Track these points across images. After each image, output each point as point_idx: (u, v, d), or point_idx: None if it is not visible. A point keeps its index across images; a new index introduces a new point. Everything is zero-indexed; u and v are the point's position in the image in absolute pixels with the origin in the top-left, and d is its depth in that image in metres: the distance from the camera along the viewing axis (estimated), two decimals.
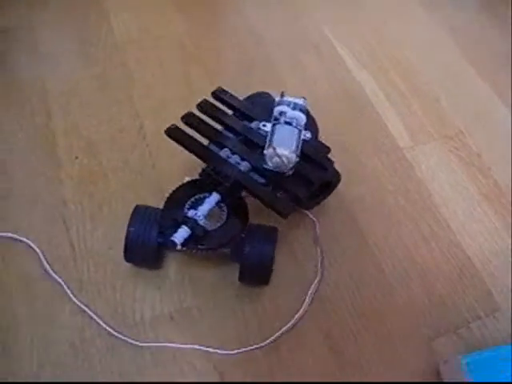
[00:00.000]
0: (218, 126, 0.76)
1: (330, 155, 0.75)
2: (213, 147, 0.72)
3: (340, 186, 0.82)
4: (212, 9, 1.13)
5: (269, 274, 0.70)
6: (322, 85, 1.01)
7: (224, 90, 0.78)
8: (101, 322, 0.71)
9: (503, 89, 1.04)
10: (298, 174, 0.70)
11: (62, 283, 0.74)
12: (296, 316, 0.72)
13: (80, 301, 0.73)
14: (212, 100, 0.78)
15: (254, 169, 0.70)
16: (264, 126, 0.73)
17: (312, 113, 0.79)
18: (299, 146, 0.68)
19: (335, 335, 0.73)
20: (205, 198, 0.68)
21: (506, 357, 0.68)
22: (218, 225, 0.67)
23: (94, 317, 0.72)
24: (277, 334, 0.71)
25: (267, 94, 0.81)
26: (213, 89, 0.79)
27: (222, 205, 0.68)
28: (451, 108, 1.01)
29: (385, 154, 0.94)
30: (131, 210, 0.71)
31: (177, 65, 1.01)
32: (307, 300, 0.74)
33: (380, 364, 0.72)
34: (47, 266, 0.75)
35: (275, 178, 0.69)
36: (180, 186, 0.70)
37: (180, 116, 0.76)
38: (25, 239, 0.77)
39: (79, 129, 0.90)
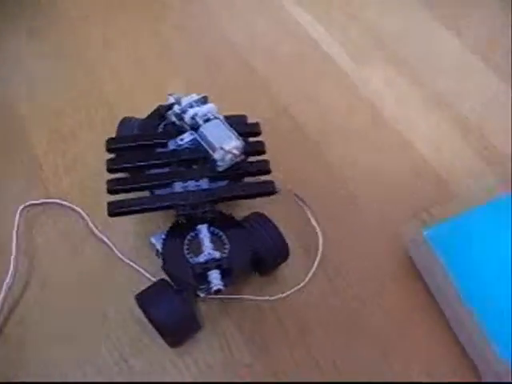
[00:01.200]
0: (144, 172, 0.68)
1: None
2: (162, 192, 0.65)
3: (297, 115, 0.90)
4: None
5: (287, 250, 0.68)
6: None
7: (113, 138, 0.70)
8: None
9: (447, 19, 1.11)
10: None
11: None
12: None
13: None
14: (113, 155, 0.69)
15: (213, 179, 0.66)
16: (181, 139, 0.67)
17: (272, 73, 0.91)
18: (234, 132, 0.65)
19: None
20: (196, 235, 0.62)
21: (469, 221, 0.72)
22: (229, 247, 0.62)
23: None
24: None
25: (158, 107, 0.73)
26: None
27: (214, 229, 0.63)
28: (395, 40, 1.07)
29: (332, 80, 1.00)
30: None
31: None
32: None
33: (355, 258, 0.76)
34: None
35: (234, 171, 0.66)
36: (164, 244, 0.63)
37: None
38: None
39: None
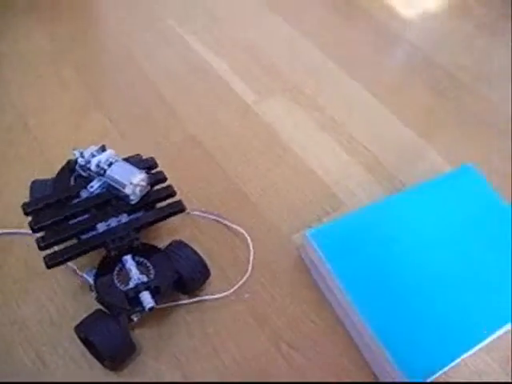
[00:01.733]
0: (73, 220, 0.73)
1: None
2: (89, 236, 0.71)
3: (203, 139, 1.01)
4: None
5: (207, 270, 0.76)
6: (176, 68, 1.18)
7: (29, 202, 0.73)
8: None
9: (328, 47, 1.27)
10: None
11: None
12: None
13: None
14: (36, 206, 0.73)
15: (130, 212, 0.73)
16: (91, 187, 0.74)
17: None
18: (134, 167, 0.73)
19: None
20: (123, 266, 0.69)
21: (348, 222, 0.83)
22: (153, 271, 0.70)
23: None
24: None
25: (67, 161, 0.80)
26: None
27: (138, 258, 0.71)
28: (287, 68, 1.20)
29: (235, 110, 1.11)
30: None
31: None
32: None
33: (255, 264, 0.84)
34: None
35: (146, 200, 0.75)
36: (96, 278, 0.69)
37: None
38: None
39: None
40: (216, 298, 0.79)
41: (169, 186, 0.79)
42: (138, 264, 0.70)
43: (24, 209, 0.72)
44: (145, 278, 0.68)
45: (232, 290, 0.80)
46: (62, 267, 0.72)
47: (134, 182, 0.70)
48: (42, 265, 0.68)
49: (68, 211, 0.72)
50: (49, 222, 0.70)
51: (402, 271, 0.78)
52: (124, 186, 0.71)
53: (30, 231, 0.70)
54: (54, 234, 0.70)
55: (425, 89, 1.24)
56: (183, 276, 0.72)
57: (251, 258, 0.84)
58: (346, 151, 1.06)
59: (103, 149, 0.76)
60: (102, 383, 0.69)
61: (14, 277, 0.78)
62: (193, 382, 0.70)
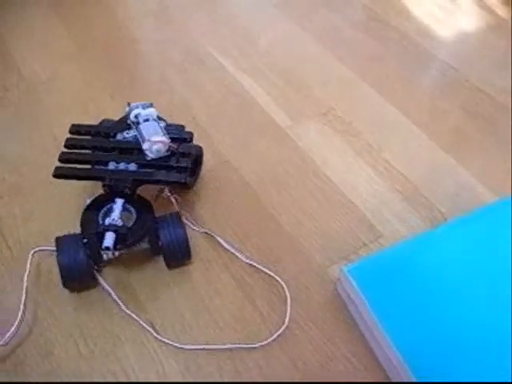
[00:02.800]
0: (98, 152, 0.84)
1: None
2: (98, 167, 0.80)
3: (237, 164, 1.00)
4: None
5: (188, 251, 0.80)
6: (210, 91, 1.17)
7: (78, 124, 0.86)
8: None
9: (362, 68, 1.26)
10: (174, 154, 0.81)
11: None
12: None
13: None
14: (75, 136, 0.86)
15: (141, 166, 0.80)
16: (127, 133, 0.84)
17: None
18: (164, 131, 0.82)
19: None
20: (112, 206, 0.76)
21: (388, 257, 0.80)
22: (132, 222, 0.76)
23: None
24: None
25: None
26: (117, 110, 0.93)
27: (128, 206, 0.78)
28: (321, 91, 1.19)
29: (269, 135, 1.09)
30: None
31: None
32: None
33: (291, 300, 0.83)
34: None
35: (159, 162, 0.81)
36: (86, 208, 0.77)
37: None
38: None
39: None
40: (254, 347, 0.77)
41: (187, 159, 0.82)
42: (125, 210, 0.77)
43: (72, 127, 0.86)
44: (119, 223, 0.74)
45: (271, 339, 0.78)
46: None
47: (152, 139, 0.77)
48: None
49: (96, 143, 0.83)
50: (79, 145, 0.83)
51: (444, 311, 0.75)
52: (144, 141, 0.79)
53: None
54: (74, 155, 0.82)
55: (461, 111, 1.20)
56: (163, 245, 0.76)
57: (288, 300, 0.82)
58: (382, 178, 1.03)
59: (149, 106, 0.84)
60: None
61: None
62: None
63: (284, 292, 0.84)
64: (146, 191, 0.84)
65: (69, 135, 0.86)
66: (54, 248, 0.74)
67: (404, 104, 1.20)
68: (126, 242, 0.73)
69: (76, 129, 0.86)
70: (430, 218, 0.97)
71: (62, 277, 0.73)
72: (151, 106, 0.85)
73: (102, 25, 1.37)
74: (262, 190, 0.99)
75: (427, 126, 1.15)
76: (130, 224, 0.75)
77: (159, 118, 0.86)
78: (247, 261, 0.87)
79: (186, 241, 0.78)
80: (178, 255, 0.79)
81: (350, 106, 1.18)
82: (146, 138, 0.79)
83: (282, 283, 0.85)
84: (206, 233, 0.89)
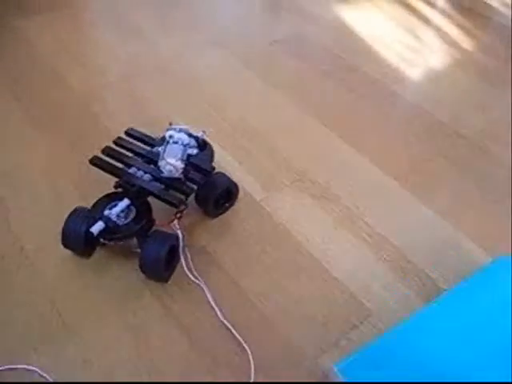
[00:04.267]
0: (130, 154, 0.97)
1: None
2: (124, 168, 0.94)
3: (213, 247, 0.96)
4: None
5: (160, 270, 0.87)
6: None
7: (134, 129, 1.01)
8: None
9: (336, 124, 1.22)
10: (187, 177, 0.92)
11: None
12: None
13: None
14: (125, 137, 1.00)
15: (155, 179, 0.92)
16: (160, 148, 0.94)
17: None
18: (184, 157, 0.91)
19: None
20: (118, 202, 0.88)
21: (374, 354, 0.76)
22: (127, 221, 0.87)
23: None
24: None
25: None
26: (81, 199, 0.96)
27: (132, 207, 0.89)
28: (295, 154, 1.14)
29: (244, 210, 1.04)
30: None
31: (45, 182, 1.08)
32: None
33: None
34: None
35: (171, 182, 0.91)
36: (102, 196, 0.90)
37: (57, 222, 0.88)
38: None
39: None
40: None
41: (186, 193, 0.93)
42: (127, 208, 0.89)
43: (126, 131, 1.01)
44: (113, 217, 0.86)
45: None
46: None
47: (167, 160, 0.89)
48: None
49: (135, 148, 0.98)
50: (123, 145, 0.99)
51: None
52: (161, 159, 0.90)
53: None
54: (115, 152, 0.97)
55: (441, 158, 1.17)
56: (141, 256, 0.86)
57: None
58: (368, 248, 0.98)
59: (189, 133, 0.94)
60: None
61: None
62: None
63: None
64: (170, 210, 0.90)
65: (122, 135, 1.00)
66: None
67: (381, 158, 1.16)
68: (113, 235, 0.86)
69: (130, 132, 1.00)
70: (421, 288, 0.92)
71: (62, 237, 0.88)
72: (186, 132, 0.93)
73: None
74: (239, 274, 0.92)
75: (407, 180, 1.11)
76: (126, 222, 0.87)
77: (199, 146, 0.96)
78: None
79: (162, 262, 0.85)
80: (152, 272, 0.88)
81: (326, 167, 1.13)
82: (164, 157, 0.90)
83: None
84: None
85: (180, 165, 0.90)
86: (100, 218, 0.85)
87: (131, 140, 1.00)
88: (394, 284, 0.93)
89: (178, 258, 0.91)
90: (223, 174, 0.99)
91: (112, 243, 0.90)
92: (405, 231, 1.01)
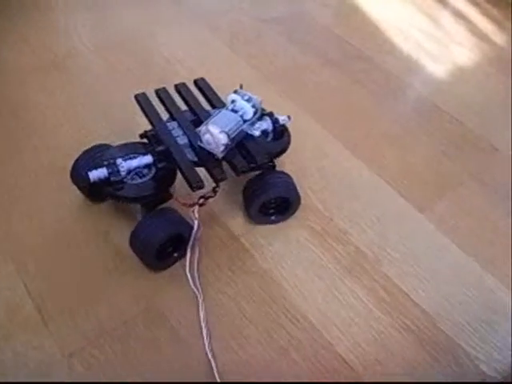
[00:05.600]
0: (184, 107, 0.79)
1: None
2: (166, 119, 0.76)
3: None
4: None
5: (149, 256, 0.70)
6: None
7: (205, 81, 0.82)
8: None
9: (341, 132, 0.94)
10: (228, 159, 0.70)
11: None
12: None
13: None
14: (191, 87, 0.81)
15: (191, 145, 0.72)
16: (216, 111, 0.74)
17: None
18: (235, 133, 0.69)
19: None
20: (138, 156, 0.71)
21: None
22: (138, 181, 0.70)
23: None
24: None
25: None
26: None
27: (153, 168, 0.71)
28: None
29: (219, 247, 0.76)
30: None
31: None
32: None
33: None
34: None
35: (206, 157, 0.70)
36: (130, 143, 0.74)
37: None
38: None
39: None
40: None
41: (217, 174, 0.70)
42: (146, 167, 0.71)
43: (195, 81, 0.83)
44: (122, 171, 0.69)
45: None
46: None
47: (209, 128, 0.68)
48: None
49: (192, 103, 0.78)
50: (179, 93, 0.80)
51: None
52: (204, 124, 0.69)
53: None
54: (164, 96, 0.78)
55: (471, 179, 0.91)
56: (135, 232, 0.69)
57: None
58: (383, 309, 0.71)
59: (251, 102, 0.72)
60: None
61: None
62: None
63: None
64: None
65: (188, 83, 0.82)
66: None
67: (401, 180, 0.89)
68: (114, 192, 0.69)
69: (199, 83, 0.82)
70: (454, 364, 0.66)
71: (70, 171, 0.75)
72: (255, 105, 0.72)
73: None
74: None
75: (434, 210, 0.84)
76: (135, 182, 0.70)
77: (275, 132, 0.77)
78: None
79: (153, 247, 0.68)
80: (140, 254, 0.71)
81: (330, 189, 0.86)
82: (208, 122, 0.69)
83: None
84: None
85: (223, 139, 0.68)
86: (107, 166, 0.69)
87: (195, 92, 0.81)
88: (422, 363, 0.66)
89: (184, 253, 0.72)
90: (285, 179, 0.77)
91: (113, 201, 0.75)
92: (435, 286, 0.75)
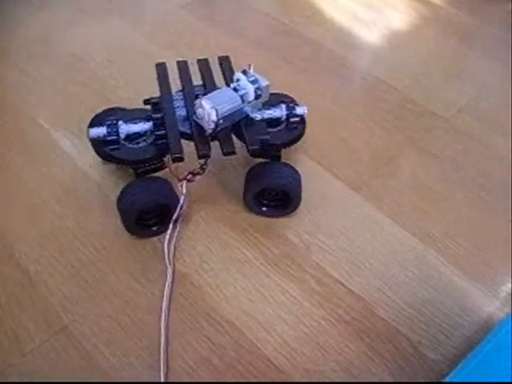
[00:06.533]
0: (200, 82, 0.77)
1: None
2: (178, 91, 0.75)
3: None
4: None
5: (128, 221, 0.69)
6: None
7: (228, 60, 0.79)
8: None
9: None
10: (217, 137, 0.68)
11: None
12: None
13: None
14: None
15: (186, 118, 0.71)
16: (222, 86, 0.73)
17: None
18: (229, 112, 0.67)
19: None
20: (140, 122, 0.71)
21: None
22: (133, 145, 0.70)
23: None
24: None
25: None
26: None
27: (152, 135, 0.70)
28: None
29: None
30: None
31: None
32: None
33: None
34: None
35: (197, 131, 0.68)
36: (137, 109, 0.75)
37: None
38: None
39: None
40: None
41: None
42: (146, 134, 0.71)
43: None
44: (122, 132, 0.69)
45: None
46: None
47: (202, 102, 0.66)
48: None
49: (206, 77, 0.75)
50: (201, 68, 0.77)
51: None
52: (200, 98, 0.67)
53: None
54: (183, 68, 0.77)
55: (420, 154, 0.85)
56: (120, 196, 0.68)
57: None
58: (311, 301, 0.65)
59: (256, 85, 0.68)
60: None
61: None
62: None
63: None
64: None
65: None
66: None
67: (332, 159, 0.83)
68: (109, 152, 0.69)
69: (221, 62, 0.79)
70: (396, 354, 0.61)
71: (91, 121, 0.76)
72: (258, 86, 0.68)
73: None
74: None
75: (370, 188, 0.78)
76: (131, 145, 0.70)
77: (288, 121, 0.74)
78: None
79: (133, 214, 0.67)
80: (121, 217, 0.69)
81: None
82: (204, 96, 0.67)
83: None
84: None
85: (213, 116, 0.65)
86: (108, 125, 0.70)
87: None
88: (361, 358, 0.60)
89: (166, 227, 0.70)
90: (287, 173, 0.71)
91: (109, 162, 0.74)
92: (371, 270, 0.69)
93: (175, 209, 0.69)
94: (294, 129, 0.75)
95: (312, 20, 1.13)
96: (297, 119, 0.74)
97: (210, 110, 0.65)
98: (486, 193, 0.80)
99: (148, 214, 0.70)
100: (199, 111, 0.67)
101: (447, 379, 0.56)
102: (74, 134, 0.84)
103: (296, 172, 0.72)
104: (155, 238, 0.71)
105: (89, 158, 0.80)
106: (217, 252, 0.70)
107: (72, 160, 0.81)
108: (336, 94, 0.96)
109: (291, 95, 0.79)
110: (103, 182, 0.78)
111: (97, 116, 0.77)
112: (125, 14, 1.11)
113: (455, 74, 1.03)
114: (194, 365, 0.60)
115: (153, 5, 1.15)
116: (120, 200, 0.69)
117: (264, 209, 0.74)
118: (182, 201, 0.69)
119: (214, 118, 0.65)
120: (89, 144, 0.74)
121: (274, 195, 0.73)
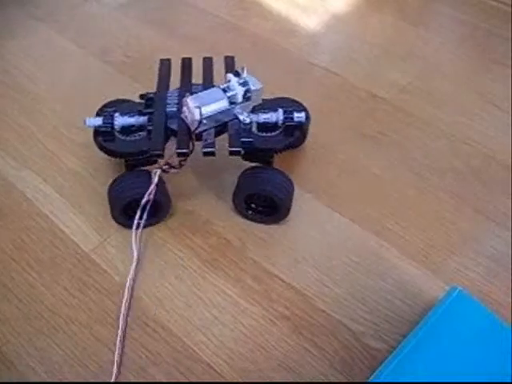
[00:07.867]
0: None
1: None
2: (177, 88, 0.75)
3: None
4: None
5: (114, 211, 0.70)
6: None
7: (233, 60, 0.78)
8: None
9: None
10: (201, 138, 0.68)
11: None
12: None
13: None
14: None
15: (174, 115, 0.71)
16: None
17: None
18: (214, 113, 0.66)
19: None
20: (135, 115, 0.72)
21: None
22: (127, 139, 0.71)
23: None
24: None
25: None
26: None
27: (146, 131, 0.71)
28: None
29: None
30: None
31: None
32: None
33: None
34: None
35: (181, 129, 0.68)
36: (137, 102, 0.76)
37: None
38: None
39: None
40: None
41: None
42: (140, 128, 0.71)
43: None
44: (117, 124, 0.70)
45: None
46: None
47: (187, 99, 0.66)
48: None
49: (207, 76, 0.76)
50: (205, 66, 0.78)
51: None
52: (187, 96, 0.67)
53: None
54: (186, 65, 0.77)
55: (361, 139, 0.83)
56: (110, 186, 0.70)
57: None
58: (248, 300, 0.63)
59: (246, 86, 0.67)
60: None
61: None
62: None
63: None
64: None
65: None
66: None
67: None
68: (102, 143, 0.71)
69: (227, 60, 0.78)
70: (338, 347, 0.59)
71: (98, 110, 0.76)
72: (248, 89, 0.67)
73: None
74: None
75: (306, 179, 0.76)
76: (124, 137, 0.71)
77: (285, 126, 0.72)
78: None
79: (120, 206, 0.68)
80: (112, 205, 0.70)
81: (187, 177, 0.77)
82: (190, 96, 0.67)
83: None
84: None
85: (195, 115, 0.64)
86: (105, 116, 0.71)
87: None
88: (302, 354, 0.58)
89: (153, 219, 0.71)
90: (277, 180, 0.69)
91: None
92: (310, 261, 0.67)
93: (162, 203, 0.70)
94: (290, 135, 0.73)
95: (249, 12, 1.11)
96: (292, 125, 0.72)
97: (193, 109, 0.65)
98: (431, 173, 0.79)
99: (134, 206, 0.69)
100: (184, 109, 0.67)
101: (385, 362, 0.55)
102: None
103: (287, 179, 0.69)
104: (87, 249, 0.69)
105: None
106: (150, 257, 0.68)
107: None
108: (271, 84, 0.93)
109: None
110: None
111: (104, 106, 0.76)
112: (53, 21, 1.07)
113: (399, 55, 1.01)
114: (131, 375, 0.58)
115: (85, 9, 1.12)
116: (109, 192, 0.69)
117: (249, 212, 0.72)
118: (150, 189, 0.67)
119: (197, 117, 0.65)
120: None
121: (262, 201, 0.71)
